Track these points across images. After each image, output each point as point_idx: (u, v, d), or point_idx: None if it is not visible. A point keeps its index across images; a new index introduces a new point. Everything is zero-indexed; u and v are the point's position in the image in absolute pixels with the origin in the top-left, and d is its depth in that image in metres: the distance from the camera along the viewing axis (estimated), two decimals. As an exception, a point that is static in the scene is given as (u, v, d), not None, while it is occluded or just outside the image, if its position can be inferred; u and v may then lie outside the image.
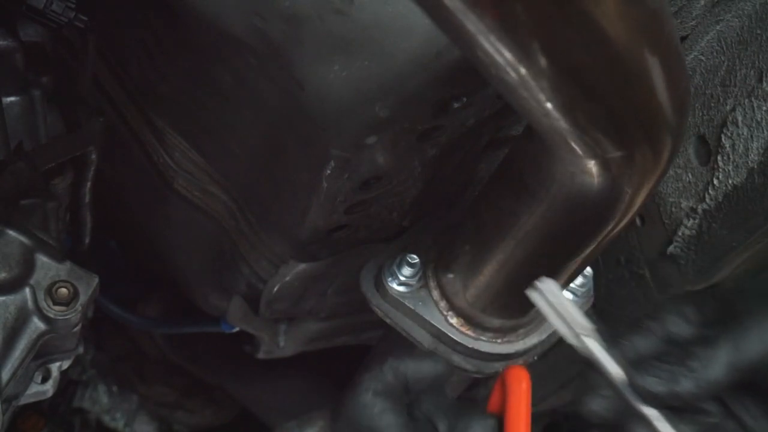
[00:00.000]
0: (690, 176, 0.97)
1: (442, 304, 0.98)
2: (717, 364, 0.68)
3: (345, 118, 0.80)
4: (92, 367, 1.84)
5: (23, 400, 0.96)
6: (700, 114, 0.95)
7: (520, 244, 0.85)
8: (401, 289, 0.98)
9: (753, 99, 0.89)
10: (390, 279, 0.98)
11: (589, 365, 0.70)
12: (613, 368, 0.68)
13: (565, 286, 0.94)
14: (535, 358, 1.02)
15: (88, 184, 1.02)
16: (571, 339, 0.69)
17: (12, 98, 0.95)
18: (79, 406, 1.83)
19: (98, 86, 1.11)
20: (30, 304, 0.87)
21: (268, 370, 1.62)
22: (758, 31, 0.90)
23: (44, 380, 0.97)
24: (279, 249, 1.09)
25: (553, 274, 0.83)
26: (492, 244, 0.88)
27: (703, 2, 0.94)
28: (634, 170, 0.69)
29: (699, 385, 0.68)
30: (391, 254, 1.00)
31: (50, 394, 0.97)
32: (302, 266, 1.11)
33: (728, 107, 0.92)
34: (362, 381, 0.81)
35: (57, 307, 0.87)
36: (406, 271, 0.98)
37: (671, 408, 0.69)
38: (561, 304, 0.69)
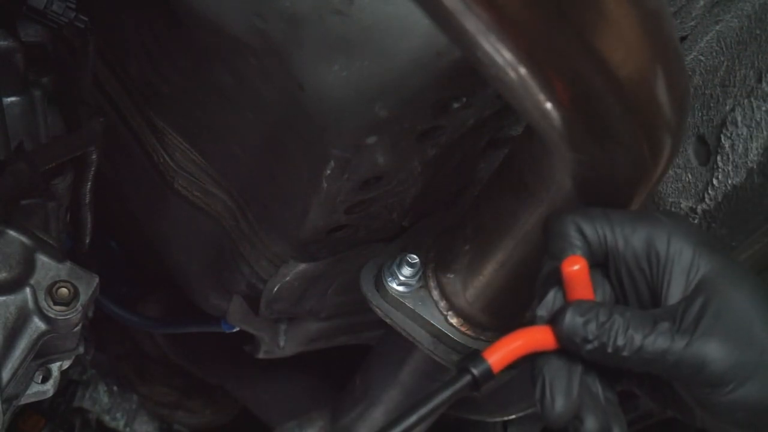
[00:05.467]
0: (689, 176, 0.97)
1: (442, 304, 0.98)
2: None
3: (345, 118, 0.80)
4: (92, 367, 1.84)
5: (23, 400, 0.95)
6: (700, 114, 0.95)
7: (520, 244, 0.85)
8: (401, 289, 0.98)
9: (752, 99, 0.89)
10: (390, 279, 0.98)
11: None
12: None
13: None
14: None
15: (89, 184, 1.02)
16: None
17: (12, 98, 0.95)
18: (79, 406, 1.83)
19: (98, 86, 1.11)
20: (30, 304, 0.87)
21: (268, 370, 1.62)
22: (757, 32, 0.90)
23: (44, 380, 0.97)
24: (279, 249, 1.09)
25: (552, 274, 0.83)
26: (492, 244, 0.88)
27: (702, 2, 0.94)
28: (634, 170, 0.69)
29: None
30: (391, 254, 1.00)
31: (50, 393, 0.97)
32: (302, 266, 1.11)
33: (728, 107, 0.92)
34: None
35: (57, 307, 0.87)
36: (406, 271, 0.98)
37: None
38: None
